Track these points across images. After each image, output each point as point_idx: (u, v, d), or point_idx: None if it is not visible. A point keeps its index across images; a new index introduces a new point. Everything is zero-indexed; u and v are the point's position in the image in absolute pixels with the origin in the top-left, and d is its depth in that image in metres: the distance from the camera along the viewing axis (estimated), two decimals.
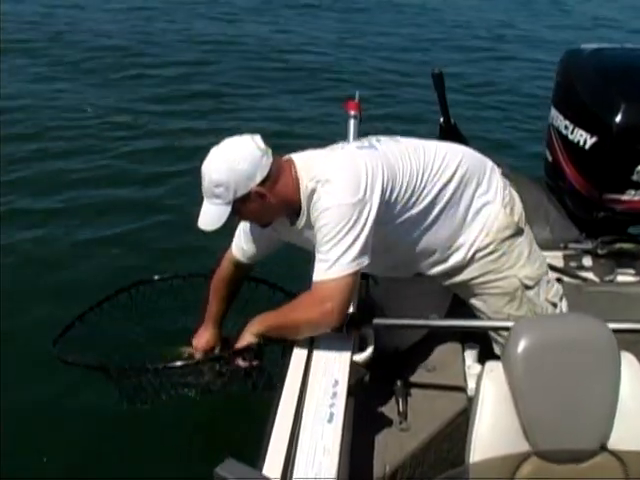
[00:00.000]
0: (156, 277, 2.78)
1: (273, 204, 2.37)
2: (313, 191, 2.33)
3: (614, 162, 3.44)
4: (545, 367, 1.83)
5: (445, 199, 2.51)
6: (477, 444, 1.85)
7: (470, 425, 1.87)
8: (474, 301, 2.69)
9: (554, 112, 3.77)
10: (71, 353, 2.40)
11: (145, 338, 2.68)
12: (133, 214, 5.57)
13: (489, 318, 2.63)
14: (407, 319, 2.56)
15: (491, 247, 2.57)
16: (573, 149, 3.58)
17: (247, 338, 2.43)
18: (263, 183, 2.32)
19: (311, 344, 2.32)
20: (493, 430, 1.85)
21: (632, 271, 3.64)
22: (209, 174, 2.31)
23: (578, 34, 12.34)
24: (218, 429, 2.49)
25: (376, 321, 2.47)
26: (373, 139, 2.55)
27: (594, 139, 3.45)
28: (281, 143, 3.54)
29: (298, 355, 2.29)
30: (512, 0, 16.19)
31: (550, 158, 3.84)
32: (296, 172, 2.40)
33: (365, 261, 2.27)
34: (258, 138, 2.37)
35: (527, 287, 2.60)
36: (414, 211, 2.45)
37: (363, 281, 2.90)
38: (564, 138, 3.64)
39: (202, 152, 2.38)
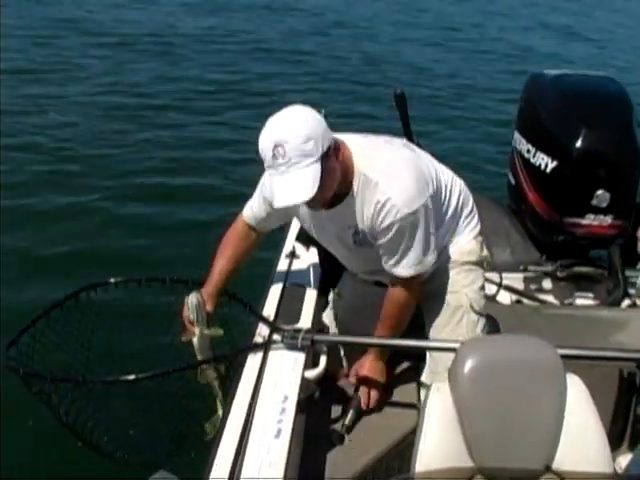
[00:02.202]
0: (112, 280, 2.62)
1: (338, 171, 2.26)
2: (372, 183, 2.30)
3: (574, 186, 3.50)
4: (490, 388, 1.84)
5: (447, 215, 2.59)
6: (422, 463, 1.85)
7: (416, 444, 1.88)
8: (423, 313, 2.72)
9: (517, 136, 3.83)
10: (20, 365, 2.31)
11: (93, 349, 2.58)
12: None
13: (432, 332, 2.67)
14: (358, 337, 2.57)
15: (452, 264, 2.66)
16: (535, 173, 3.64)
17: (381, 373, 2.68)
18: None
19: (263, 359, 2.31)
20: (438, 449, 1.86)
21: (591, 294, 3.69)
22: (294, 134, 2.10)
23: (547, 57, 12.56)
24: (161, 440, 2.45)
25: (330, 337, 2.48)
26: (404, 141, 2.67)
27: (555, 163, 3.51)
28: None
29: (249, 370, 2.28)
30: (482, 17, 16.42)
31: (513, 181, 3.89)
32: (350, 154, 2.33)
33: (436, 254, 2.48)
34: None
35: (472, 310, 2.64)
36: None
37: (322, 297, 2.91)
38: (526, 162, 3.69)
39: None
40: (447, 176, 2.60)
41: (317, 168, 2.14)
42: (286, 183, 2.15)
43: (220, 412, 2.38)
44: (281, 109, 2.23)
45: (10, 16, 11.35)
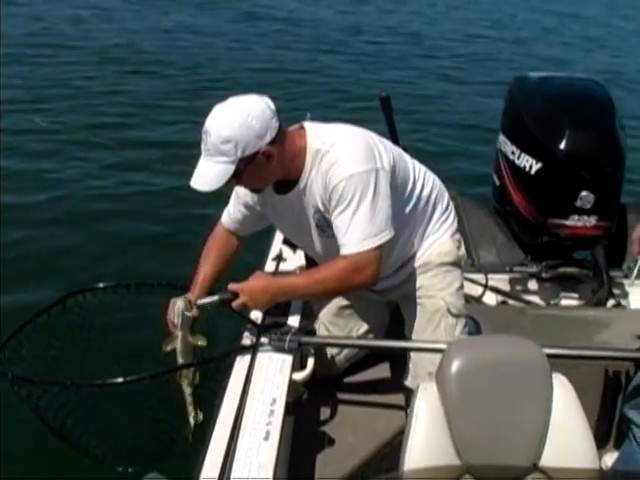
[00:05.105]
0: (101, 285, 2.63)
1: (276, 167, 2.30)
2: (322, 152, 2.31)
3: (558, 188, 3.52)
4: (478, 387, 1.85)
5: (418, 209, 2.57)
6: (410, 463, 1.85)
7: (404, 444, 1.88)
8: (404, 316, 2.74)
9: (502, 137, 3.85)
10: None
11: (81, 354, 2.58)
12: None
13: (411, 336, 2.66)
14: (345, 338, 2.58)
15: (428, 266, 2.64)
16: (519, 174, 3.65)
17: (262, 305, 2.43)
18: (271, 144, 2.24)
19: (251, 361, 2.31)
20: (426, 449, 1.86)
21: (576, 295, 3.72)
22: (217, 129, 2.19)
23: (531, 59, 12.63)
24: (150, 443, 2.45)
25: (314, 339, 2.48)
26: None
27: (539, 165, 3.53)
28: None
29: (237, 372, 2.28)
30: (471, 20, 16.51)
31: (497, 182, 3.90)
32: (305, 137, 2.36)
33: (392, 230, 2.33)
34: (267, 98, 2.30)
35: (450, 313, 2.63)
36: (397, 208, 2.42)
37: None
38: (511, 163, 3.71)
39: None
40: (418, 170, 2.59)
41: (228, 169, 2.23)
42: (201, 168, 2.27)
43: (192, 419, 2.38)
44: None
45: None
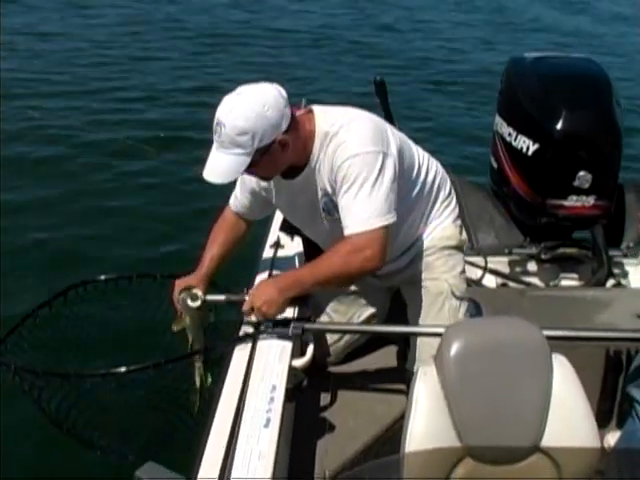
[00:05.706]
0: (102, 277, 2.64)
1: (289, 155, 2.29)
2: (330, 135, 2.29)
3: (556, 168, 3.51)
4: (477, 370, 1.85)
5: (423, 194, 2.58)
6: (411, 446, 1.85)
7: (404, 428, 1.88)
8: (405, 301, 2.74)
9: (498, 119, 3.84)
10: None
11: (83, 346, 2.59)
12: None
13: (414, 320, 2.66)
14: (348, 324, 2.57)
15: (431, 250, 2.64)
16: (517, 156, 3.65)
17: (278, 305, 2.32)
18: (286, 132, 2.23)
19: (252, 348, 2.31)
20: (427, 432, 1.86)
21: (576, 275, 3.71)
22: (232, 121, 2.15)
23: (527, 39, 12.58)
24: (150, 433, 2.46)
25: (317, 326, 2.48)
26: None
27: (536, 146, 3.52)
28: None
29: (237, 360, 2.28)
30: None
31: (495, 164, 3.90)
32: (314, 121, 2.35)
33: (394, 215, 2.29)
34: (279, 86, 2.26)
35: (453, 295, 2.63)
36: (403, 193, 2.41)
37: None
38: (508, 145, 3.70)
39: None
40: (423, 156, 2.60)
41: (244, 160, 2.20)
42: (213, 159, 2.23)
43: (197, 403, 2.39)
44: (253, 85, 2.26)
45: None
